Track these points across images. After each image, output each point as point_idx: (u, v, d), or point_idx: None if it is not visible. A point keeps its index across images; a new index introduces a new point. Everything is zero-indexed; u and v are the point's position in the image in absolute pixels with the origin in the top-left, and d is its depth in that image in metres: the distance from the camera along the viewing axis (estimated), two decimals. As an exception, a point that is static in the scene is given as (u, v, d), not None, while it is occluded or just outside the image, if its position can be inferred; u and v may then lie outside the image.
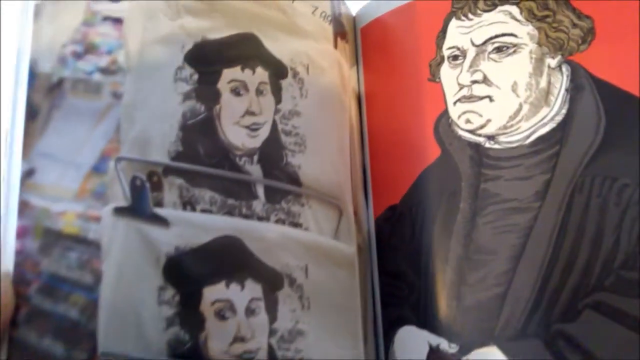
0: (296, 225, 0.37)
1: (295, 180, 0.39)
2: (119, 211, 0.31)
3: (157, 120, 0.33)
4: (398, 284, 0.42)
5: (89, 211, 0.30)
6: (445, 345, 0.38)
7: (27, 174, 0.30)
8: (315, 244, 0.38)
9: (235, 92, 0.37)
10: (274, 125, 0.38)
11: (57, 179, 0.30)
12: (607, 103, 0.37)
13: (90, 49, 0.32)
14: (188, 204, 0.33)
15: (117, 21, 0.33)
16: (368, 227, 0.45)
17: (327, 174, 0.40)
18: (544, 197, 0.37)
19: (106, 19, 0.32)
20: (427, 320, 0.40)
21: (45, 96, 0.31)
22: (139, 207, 0.31)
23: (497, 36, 0.41)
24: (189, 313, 0.31)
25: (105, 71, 0.32)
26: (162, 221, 0.32)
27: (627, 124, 0.36)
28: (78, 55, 0.31)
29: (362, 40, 0.49)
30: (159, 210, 0.32)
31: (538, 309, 0.36)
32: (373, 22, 0.48)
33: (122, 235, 0.30)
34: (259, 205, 0.36)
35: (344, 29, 0.47)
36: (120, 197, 0.31)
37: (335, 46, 0.45)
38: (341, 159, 0.42)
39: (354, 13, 0.50)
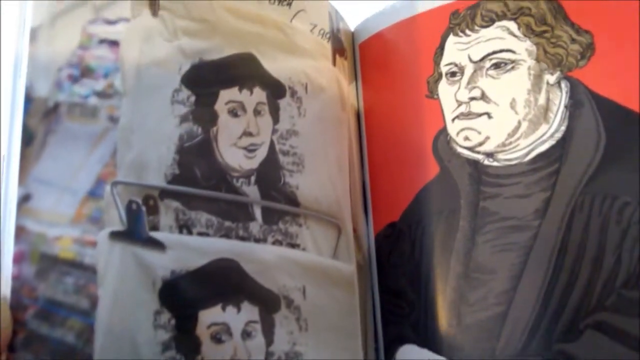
0: (294, 246, 0.37)
1: (293, 200, 0.38)
2: (115, 236, 0.30)
3: (153, 143, 0.33)
4: (398, 302, 0.42)
5: (85, 236, 0.30)
6: (445, 364, 0.38)
7: (24, 199, 0.30)
8: (313, 265, 0.38)
9: (233, 113, 0.37)
10: (272, 145, 0.38)
11: (53, 204, 0.30)
12: (607, 120, 0.37)
13: (86, 72, 0.32)
14: (184, 227, 0.33)
15: (114, 44, 0.33)
16: (368, 244, 0.45)
17: (325, 193, 0.40)
18: (544, 216, 0.37)
19: (102, 41, 0.32)
20: (427, 339, 0.39)
21: (41, 121, 0.31)
22: (135, 231, 0.31)
23: (494, 52, 0.41)
24: (184, 337, 0.31)
25: (101, 95, 0.32)
26: (158, 245, 0.31)
27: (627, 141, 0.36)
28: (74, 79, 0.31)
29: (360, 56, 0.49)
30: (155, 234, 0.32)
31: (539, 329, 0.35)
32: (371, 37, 0.48)
33: (118, 259, 0.30)
34: (256, 227, 0.36)
35: (342, 46, 0.47)
36: (117, 221, 0.31)
37: (334, 63, 0.45)
38: (340, 177, 0.42)
39: (352, 29, 0.50)
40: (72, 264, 0.30)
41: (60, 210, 0.30)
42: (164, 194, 0.32)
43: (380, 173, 0.46)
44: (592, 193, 0.36)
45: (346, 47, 0.48)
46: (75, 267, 0.29)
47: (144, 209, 0.31)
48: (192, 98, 0.35)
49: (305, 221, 0.39)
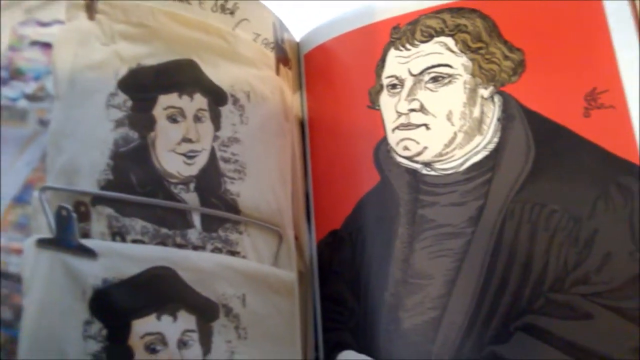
0: (234, 253, 0.37)
1: (233, 208, 0.38)
2: (42, 243, 0.29)
3: (86, 148, 0.32)
4: (339, 309, 0.42)
5: (10, 244, 0.29)
6: (383, 369, 0.39)
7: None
8: (253, 272, 0.38)
9: (172, 119, 0.36)
10: (213, 152, 0.38)
11: (-24, 210, 0.29)
12: (536, 132, 0.39)
13: (15, 74, 0.31)
14: (118, 234, 0.32)
15: (46, 46, 0.32)
16: (310, 252, 0.45)
17: (267, 200, 0.40)
18: (477, 223, 0.38)
19: (34, 43, 0.31)
20: (366, 344, 0.40)
21: (-33, 123, 0.29)
22: (65, 238, 0.30)
23: (433, 66, 0.42)
24: (116, 348, 0.30)
25: (31, 98, 0.31)
26: (89, 253, 0.31)
27: (554, 153, 0.38)
28: (3, 81, 0.30)
29: (305, 66, 0.50)
30: (86, 242, 0.31)
31: (472, 332, 0.37)
32: (316, 48, 0.49)
33: (45, 268, 0.29)
34: (194, 234, 0.35)
35: (286, 56, 0.48)
36: (45, 228, 0.30)
37: (278, 73, 0.46)
38: (282, 185, 0.42)
39: (298, 39, 0.51)
40: None
41: (-16, 216, 0.29)
42: (97, 200, 0.32)
43: (323, 182, 0.46)
44: (522, 201, 0.37)
45: (291, 57, 0.49)
46: None
47: (74, 215, 0.30)
48: (129, 103, 0.34)
49: (245, 229, 0.38)
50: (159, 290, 0.33)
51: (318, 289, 0.44)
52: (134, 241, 0.33)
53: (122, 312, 0.31)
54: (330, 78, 0.48)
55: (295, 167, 0.45)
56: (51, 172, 0.31)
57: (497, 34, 0.41)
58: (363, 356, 0.40)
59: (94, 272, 0.30)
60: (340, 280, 0.43)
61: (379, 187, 0.43)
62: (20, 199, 0.29)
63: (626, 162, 0.36)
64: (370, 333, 0.40)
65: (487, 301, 0.37)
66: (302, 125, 0.49)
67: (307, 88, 0.49)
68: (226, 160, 0.38)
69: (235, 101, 0.40)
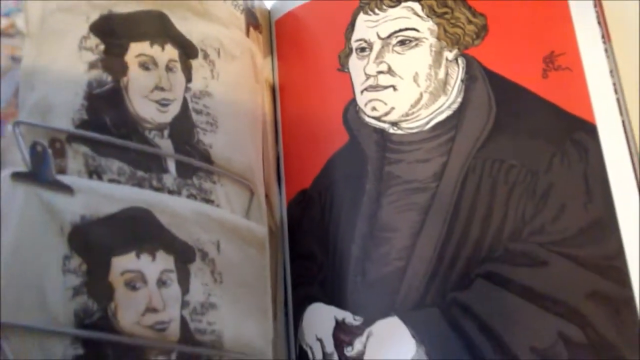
0: (208, 201, 0.38)
1: (206, 158, 0.39)
2: (17, 176, 0.29)
3: (59, 87, 0.32)
4: (308, 265, 0.43)
5: None
6: (350, 318, 0.40)
7: None
8: (227, 221, 0.38)
9: (144, 66, 0.37)
10: (185, 103, 0.39)
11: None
12: (497, 93, 0.40)
13: (-16, 11, 0.31)
14: (94, 173, 0.32)
15: (15, -15, 0.32)
16: (280, 212, 0.46)
17: (237, 154, 0.41)
18: (441, 178, 0.40)
19: (4, -19, 0.31)
20: (334, 296, 0.41)
21: None
22: (40, 172, 0.30)
23: (400, 30, 0.43)
24: (97, 283, 0.31)
25: (2, 33, 0.31)
26: (65, 188, 0.31)
27: (515, 112, 0.39)
28: (-28, 17, 0.30)
29: (276, 32, 0.51)
30: (62, 178, 0.31)
31: (435, 280, 0.38)
32: (287, 15, 0.50)
33: (20, 201, 0.29)
34: (169, 179, 0.36)
35: (257, 21, 0.49)
36: (19, 162, 0.30)
37: (248, 35, 0.46)
38: (252, 142, 0.43)
39: (269, 7, 0.52)
40: None
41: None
42: (72, 138, 0.32)
43: (294, 143, 0.47)
44: (483, 157, 0.39)
45: (262, 23, 0.49)
46: None
47: (49, 151, 0.31)
48: (101, 47, 0.34)
49: (219, 179, 0.39)
50: (137, 230, 0.33)
51: (288, 247, 0.45)
52: (111, 180, 0.33)
53: (102, 249, 0.32)
54: (300, 43, 0.49)
55: (265, 129, 0.46)
56: (23, 109, 0.31)
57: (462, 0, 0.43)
58: (332, 307, 0.41)
59: (72, 208, 0.31)
60: (310, 237, 0.44)
61: (348, 146, 0.44)
62: (-6, 133, 0.29)
63: (581, 120, 0.37)
64: (338, 285, 0.41)
65: (449, 250, 0.38)
66: (273, 90, 0.49)
67: (278, 54, 0.50)
68: (198, 112, 0.39)
69: (206, 56, 0.41)
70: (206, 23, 0.42)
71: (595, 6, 0.39)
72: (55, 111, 0.32)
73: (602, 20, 0.38)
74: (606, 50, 0.38)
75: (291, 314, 0.43)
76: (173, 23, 0.39)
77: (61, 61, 0.32)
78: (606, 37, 0.38)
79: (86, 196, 0.32)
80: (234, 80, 0.43)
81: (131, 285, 0.32)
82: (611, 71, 0.37)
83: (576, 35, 0.39)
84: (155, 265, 0.34)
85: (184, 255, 0.35)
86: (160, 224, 0.34)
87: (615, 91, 0.37)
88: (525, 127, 0.39)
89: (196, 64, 0.40)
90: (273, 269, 0.42)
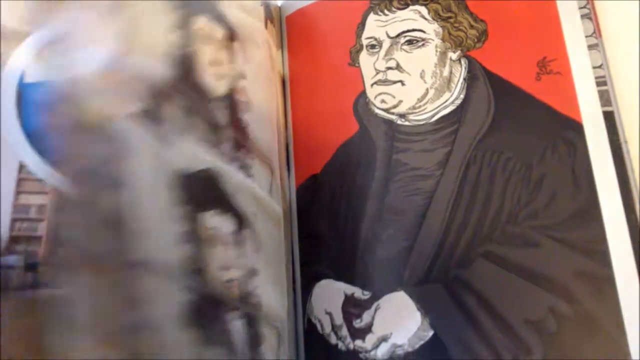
0: (249, 176, 0.40)
1: (247, 135, 0.41)
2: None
3: None
4: (316, 244, 0.46)
5: None
6: (359, 293, 0.42)
7: None
8: (260, 197, 0.41)
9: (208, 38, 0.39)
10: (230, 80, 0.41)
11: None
12: (496, 92, 0.42)
13: None
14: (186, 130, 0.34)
15: None
16: (290, 197, 0.49)
17: (264, 135, 0.43)
18: (445, 166, 0.42)
19: None
20: (343, 273, 0.43)
21: None
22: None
23: (408, 31, 0.46)
24: (192, 234, 0.33)
25: None
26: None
27: (511, 109, 0.42)
28: None
29: (287, 27, 0.53)
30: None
31: (439, 259, 0.40)
32: (297, 12, 0.52)
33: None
34: (227, 150, 0.38)
35: (272, 15, 0.51)
36: None
37: (266, 27, 0.49)
38: (271, 126, 0.46)
39: (279, 3, 0.54)
40: None
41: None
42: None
43: (303, 133, 0.49)
44: (483, 149, 0.41)
45: (274, 17, 0.52)
46: None
47: None
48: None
49: (254, 157, 0.41)
50: (212, 191, 0.35)
51: (297, 228, 0.48)
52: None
53: (196, 202, 0.33)
54: (311, 39, 0.51)
55: (278, 117, 0.48)
56: None
57: (464, 6, 0.45)
58: (341, 283, 0.44)
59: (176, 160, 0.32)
60: (319, 219, 0.46)
61: (358, 135, 0.46)
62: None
63: (570, 119, 0.39)
64: (348, 263, 0.43)
65: (452, 232, 0.40)
66: (282, 81, 0.52)
67: (289, 48, 0.53)
68: (238, 91, 0.41)
69: (240, 40, 0.43)
70: (237, 10, 0.44)
71: (582, 17, 0.42)
72: None
73: (596, 29, 0.41)
74: (595, 53, 0.40)
75: (299, 291, 0.46)
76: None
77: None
78: (599, 38, 0.41)
79: (181, 151, 0.33)
80: (258, 67, 0.45)
81: (211, 241, 0.34)
82: (598, 77, 0.40)
83: (565, 44, 0.41)
84: (227, 225, 0.35)
85: (241, 221, 0.38)
86: (226, 189, 0.36)
87: (601, 95, 0.39)
88: (521, 123, 0.41)
89: (236, 46, 0.42)
90: (287, 246, 0.45)
